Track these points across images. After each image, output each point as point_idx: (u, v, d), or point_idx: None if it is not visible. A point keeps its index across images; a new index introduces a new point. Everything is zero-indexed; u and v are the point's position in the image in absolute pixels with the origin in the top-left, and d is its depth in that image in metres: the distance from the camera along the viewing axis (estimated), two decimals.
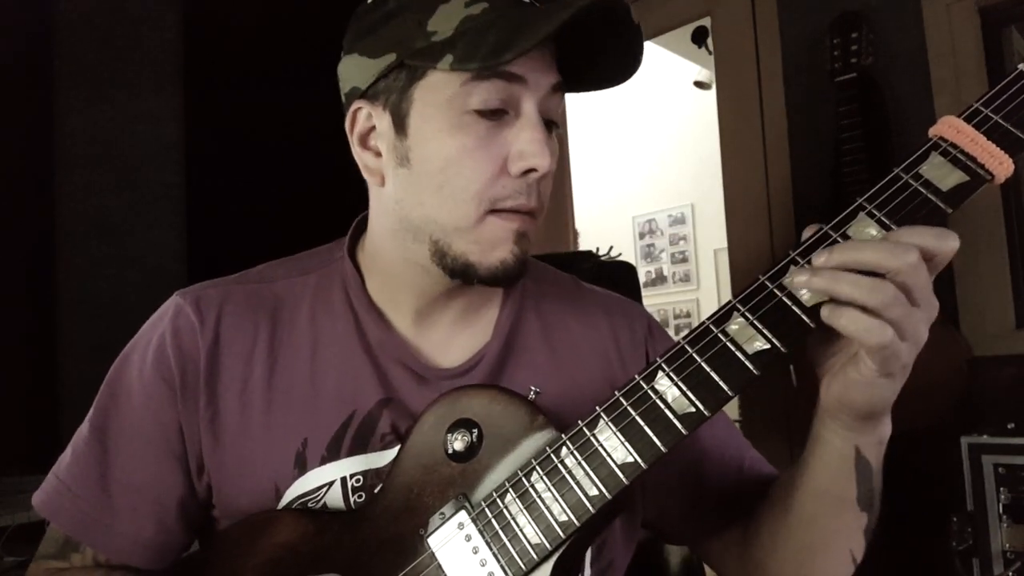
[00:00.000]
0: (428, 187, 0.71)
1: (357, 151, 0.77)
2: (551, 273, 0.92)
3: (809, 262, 0.58)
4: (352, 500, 0.73)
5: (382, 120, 0.73)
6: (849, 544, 0.70)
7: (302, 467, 0.73)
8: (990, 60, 2.04)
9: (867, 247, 0.56)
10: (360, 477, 0.73)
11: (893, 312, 0.54)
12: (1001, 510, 1.58)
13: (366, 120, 0.75)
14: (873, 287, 0.54)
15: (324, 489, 0.73)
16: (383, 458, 0.74)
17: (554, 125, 0.74)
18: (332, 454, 0.74)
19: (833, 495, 0.68)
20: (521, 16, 0.66)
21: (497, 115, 0.69)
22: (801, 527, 0.72)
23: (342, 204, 0.95)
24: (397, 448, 0.73)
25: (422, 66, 0.69)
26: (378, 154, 0.75)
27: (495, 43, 0.65)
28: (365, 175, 0.78)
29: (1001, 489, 1.59)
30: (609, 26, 0.70)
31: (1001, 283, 1.99)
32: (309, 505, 0.73)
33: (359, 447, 0.74)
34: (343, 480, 0.73)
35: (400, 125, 0.72)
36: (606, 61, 0.74)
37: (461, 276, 0.73)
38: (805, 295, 0.57)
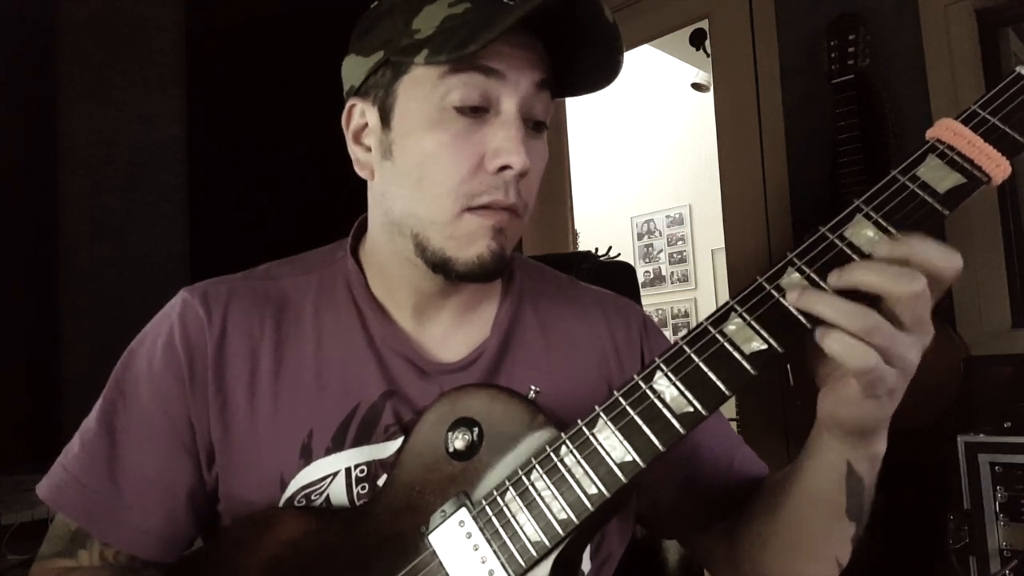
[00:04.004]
0: (408, 181, 0.73)
1: (351, 146, 0.79)
2: (549, 272, 0.93)
3: (807, 264, 0.59)
4: (355, 491, 0.74)
5: (371, 115, 0.76)
6: (835, 550, 0.71)
7: (307, 458, 0.74)
8: (987, 61, 2.04)
9: (874, 270, 0.55)
10: (364, 468, 0.74)
11: (875, 338, 0.54)
12: (998, 508, 1.59)
13: (360, 117, 0.78)
14: (854, 313, 0.54)
15: (328, 480, 0.74)
16: (386, 449, 0.75)
17: (542, 126, 0.75)
18: (337, 445, 0.75)
19: (822, 503, 0.69)
20: (496, 12, 0.67)
21: (477, 112, 0.71)
22: (788, 528, 0.73)
23: (343, 205, 0.96)
24: (400, 439, 0.75)
25: (404, 62, 0.71)
26: (369, 149, 0.77)
27: (464, 36, 0.67)
28: (357, 169, 0.80)
29: (998, 487, 1.59)
30: (584, 25, 0.70)
31: (997, 283, 2.00)
32: (313, 495, 0.74)
33: (363, 438, 0.75)
34: (347, 471, 0.74)
35: (385, 119, 0.74)
36: (588, 62, 0.75)
37: (441, 271, 0.74)
38: None
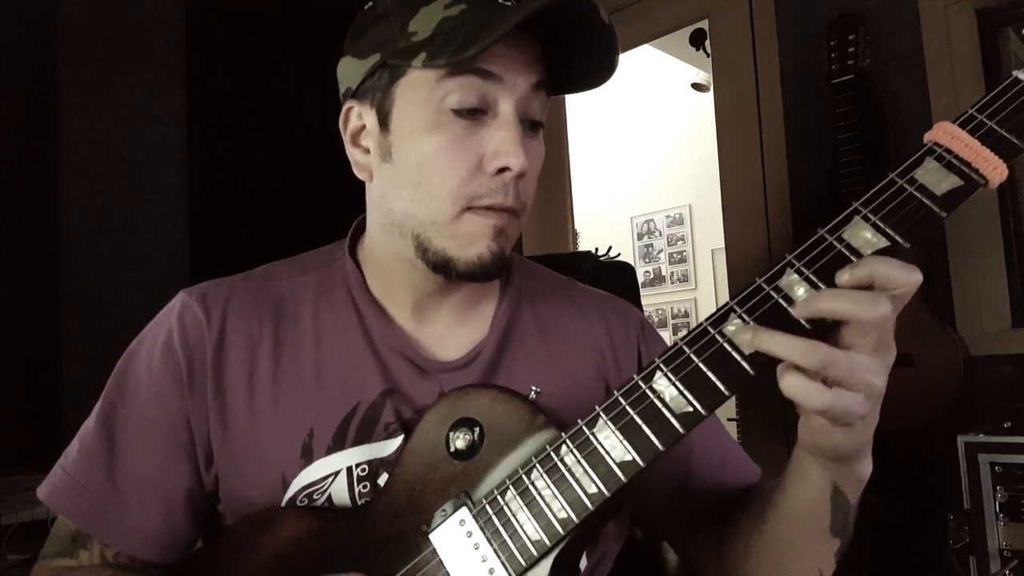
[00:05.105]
0: (407, 183, 0.73)
1: (349, 148, 0.80)
2: (547, 273, 0.94)
3: (806, 266, 0.59)
4: (357, 489, 0.74)
5: (369, 118, 0.76)
6: (819, 564, 0.72)
7: (308, 457, 0.75)
8: (987, 62, 2.04)
9: (842, 297, 0.56)
10: (365, 467, 0.75)
11: (833, 371, 0.55)
12: (998, 508, 1.59)
13: (357, 119, 0.78)
14: (806, 348, 0.55)
15: (330, 479, 0.74)
16: (387, 447, 0.75)
17: (539, 125, 0.76)
18: (338, 444, 0.75)
19: (807, 522, 0.70)
20: (493, 14, 0.68)
21: (475, 115, 0.71)
22: (773, 543, 0.74)
23: (343, 203, 0.96)
24: (400, 437, 0.75)
25: (401, 64, 0.72)
26: (367, 151, 0.78)
27: (462, 40, 0.67)
28: (355, 171, 0.80)
29: (998, 487, 1.59)
30: (580, 26, 0.71)
31: (997, 283, 2.00)
32: (315, 495, 0.74)
33: (363, 437, 0.76)
34: (348, 470, 0.74)
35: (384, 122, 0.74)
36: (584, 61, 0.75)
37: (442, 271, 0.74)
38: (801, 298, 0.58)
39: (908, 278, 0.56)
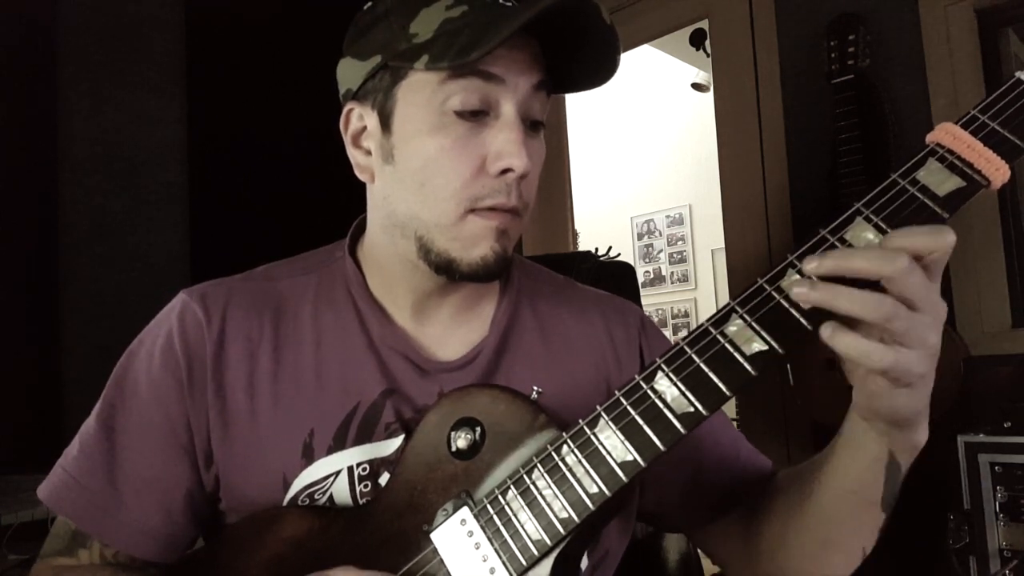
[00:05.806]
0: (411, 185, 0.73)
1: (350, 150, 0.80)
2: (546, 273, 0.94)
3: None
4: (358, 489, 0.74)
5: (371, 119, 0.76)
6: (863, 541, 0.71)
7: (309, 457, 0.75)
8: (987, 62, 2.04)
9: (858, 254, 0.55)
10: (366, 466, 0.75)
11: (896, 324, 0.54)
12: (998, 508, 1.59)
13: (358, 120, 0.78)
14: (875, 302, 0.54)
15: (331, 479, 0.74)
16: (387, 447, 0.75)
17: (539, 125, 0.76)
18: (338, 444, 0.75)
19: (859, 495, 0.69)
20: (495, 16, 0.68)
21: (477, 116, 0.71)
22: (819, 523, 0.73)
23: (343, 204, 0.96)
24: (401, 437, 0.75)
25: (403, 66, 0.72)
26: (368, 152, 0.78)
27: (465, 42, 0.67)
28: (357, 172, 0.80)
29: (998, 488, 1.59)
30: (582, 26, 0.71)
31: (997, 283, 2.00)
32: (316, 494, 0.74)
33: (364, 437, 0.76)
34: (349, 469, 0.75)
35: (386, 123, 0.74)
36: (585, 61, 0.75)
37: (445, 272, 0.74)
38: None
39: (937, 240, 0.55)
